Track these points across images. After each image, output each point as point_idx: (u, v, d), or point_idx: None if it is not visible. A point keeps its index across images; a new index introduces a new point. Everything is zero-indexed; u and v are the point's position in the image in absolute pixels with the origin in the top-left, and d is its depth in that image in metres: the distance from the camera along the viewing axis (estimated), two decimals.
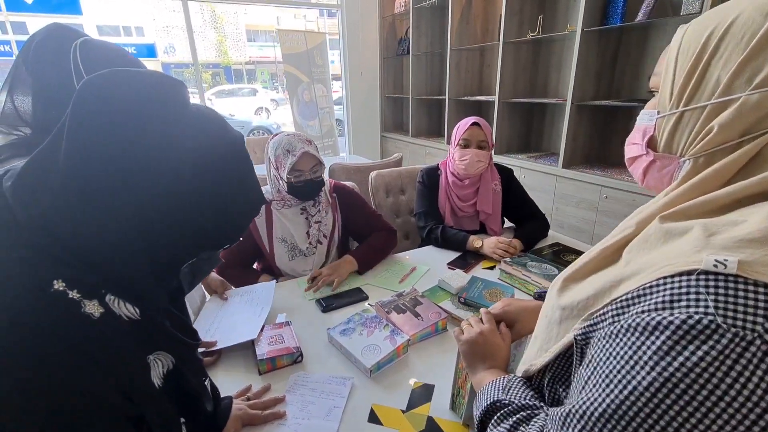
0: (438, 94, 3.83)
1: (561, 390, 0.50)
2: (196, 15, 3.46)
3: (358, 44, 4.12)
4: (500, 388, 0.55)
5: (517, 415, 0.48)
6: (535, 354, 0.53)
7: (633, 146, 0.51)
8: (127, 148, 0.42)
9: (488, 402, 0.53)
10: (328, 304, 1.13)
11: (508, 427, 0.48)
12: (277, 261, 1.31)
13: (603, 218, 2.46)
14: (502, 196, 1.60)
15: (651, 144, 0.48)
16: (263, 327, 0.99)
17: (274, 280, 1.19)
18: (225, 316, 1.06)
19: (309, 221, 1.33)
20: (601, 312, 0.41)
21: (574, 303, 0.46)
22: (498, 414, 0.51)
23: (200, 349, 0.91)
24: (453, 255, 1.43)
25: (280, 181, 1.26)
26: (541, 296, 0.77)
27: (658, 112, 0.46)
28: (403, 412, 0.77)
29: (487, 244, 1.38)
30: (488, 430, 0.52)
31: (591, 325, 0.42)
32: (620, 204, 2.34)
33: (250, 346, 0.96)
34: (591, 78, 2.49)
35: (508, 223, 1.68)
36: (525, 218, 1.60)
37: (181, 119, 0.45)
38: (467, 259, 1.39)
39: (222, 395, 0.71)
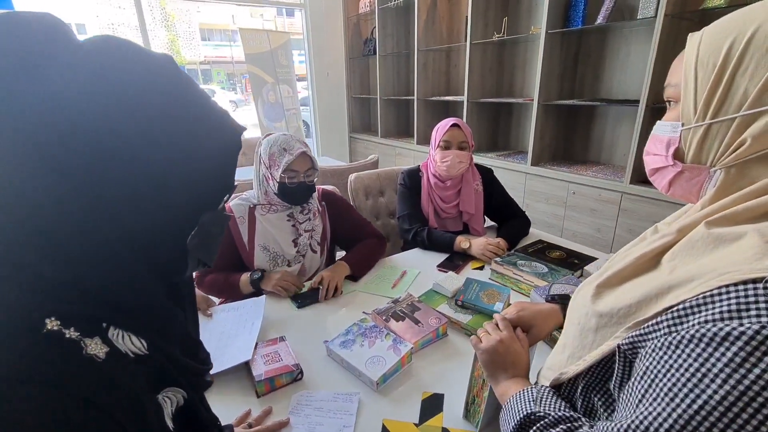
0: (406, 95, 3.84)
1: (597, 399, 0.49)
2: (145, 13, 3.21)
3: (322, 44, 4.05)
4: (531, 399, 0.53)
5: (558, 428, 0.47)
6: (566, 362, 0.53)
7: (655, 157, 0.51)
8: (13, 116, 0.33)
9: (522, 415, 0.52)
10: (302, 301, 1.15)
11: None
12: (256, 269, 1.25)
13: (571, 213, 2.56)
14: (483, 195, 1.61)
15: (677, 155, 0.48)
16: (256, 345, 0.93)
17: (264, 296, 1.12)
18: (213, 337, 0.98)
19: (297, 229, 1.27)
20: (654, 321, 0.40)
21: (614, 310, 0.45)
22: (535, 427, 0.49)
23: None
24: (440, 257, 1.42)
25: (271, 182, 1.19)
26: (554, 299, 0.77)
27: (683, 124, 0.46)
28: (417, 425, 0.75)
29: (476, 245, 1.38)
30: None
31: (641, 335, 0.41)
32: (587, 199, 2.44)
33: (243, 365, 0.90)
34: (555, 78, 2.58)
35: (488, 222, 1.69)
36: (507, 217, 1.62)
37: (76, 62, 0.36)
38: (455, 260, 1.39)
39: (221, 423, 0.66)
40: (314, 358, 0.93)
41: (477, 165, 1.64)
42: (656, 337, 0.39)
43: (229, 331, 0.99)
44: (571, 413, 0.49)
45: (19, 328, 0.33)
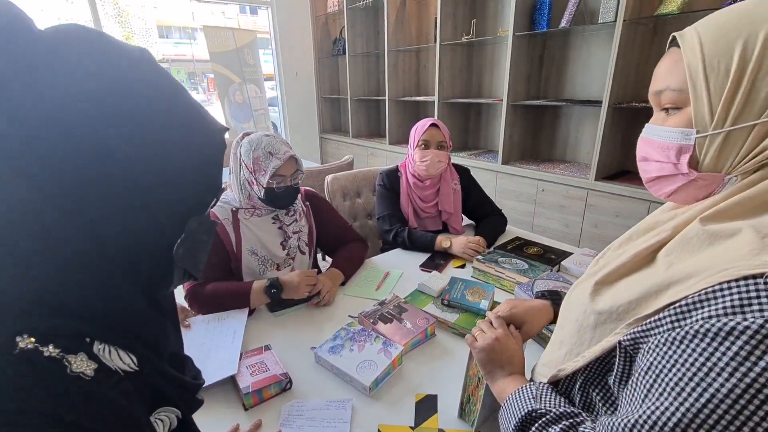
0: (376, 95, 3.83)
1: (595, 394, 0.50)
2: (98, 7, 3.00)
3: (290, 44, 3.97)
4: (530, 396, 0.54)
5: (561, 424, 0.47)
6: (563, 358, 0.53)
7: (661, 165, 0.48)
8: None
9: (523, 412, 0.52)
10: (278, 308, 1.10)
11: None
12: (245, 275, 1.19)
13: (541, 210, 2.65)
14: (461, 194, 1.63)
15: (691, 163, 0.45)
16: (240, 356, 0.89)
17: (246, 308, 1.08)
18: (192, 350, 0.93)
19: (284, 231, 1.22)
20: (656, 318, 0.41)
21: (613, 308, 0.46)
22: (537, 424, 0.50)
23: None
24: (421, 256, 1.43)
25: (255, 187, 1.14)
26: (544, 296, 0.79)
27: (698, 131, 0.43)
28: (412, 428, 0.74)
29: (457, 244, 1.40)
30: None
31: (643, 331, 0.42)
32: (555, 196, 2.53)
33: (229, 380, 0.86)
34: (522, 79, 2.66)
35: (466, 221, 1.72)
36: (484, 215, 1.65)
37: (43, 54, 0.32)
38: (436, 259, 1.40)
39: None
40: (302, 366, 0.90)
41: (454, 165, 1.66)
42: (659, 333, 0.40)
43: (209, 343, 0.95)
44: (572, 409, 0.50)
45: None
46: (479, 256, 1.27)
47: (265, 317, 1.10)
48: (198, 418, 0.78)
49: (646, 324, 0.42)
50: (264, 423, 0.76)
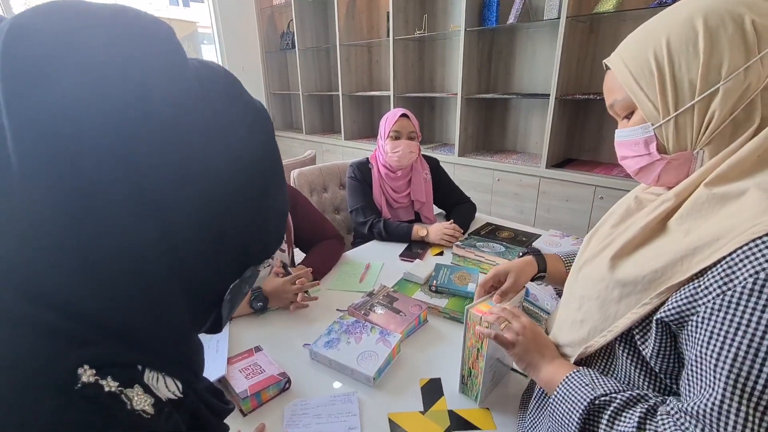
0: (329, 90, 3.77)
1: (634, 370, 0.51)
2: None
3: (234, 37, 3.78)
4: (583, 383, 0.52)
5: (634, 411, 0.46)
6: (587, 335, 0.54)
7: (636, 158, 0.55)
8: (123, 127, 0.26)
9: (584, 404, 0.49)
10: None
11: (633, 427, 0.44)
12: None
13: (497, 198, 2.76)
14: (432, 184, 1.65)
15: (659, 149, 0.52)
16: (228, 360, 0.83)
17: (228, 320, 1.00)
18: None
19: None
20: (694, 286, 0.42)
21: (638, 278, 0.48)
22: (607, 415, 0.47)
23: None
24: (397, 247, 1.42)
25: None
26: (526, 253, 0.81)
27: (652, 124, 0.51)
28: (423, 413, 0.73)
29: (433, 231, 1.41)
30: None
31: (687, 304, 0.43)
32: (510, 185, 2.65)
33: (219, 385, 0.80)
34: (474, 73, 2.75)
35: (437, 210, 1.75)
36: (454, 204, 1.69)
37: (186, 80, 0.30)
38: (414, 249, 1.40)
39: None
40: (297, 364, 0.86)
41: (424, 155, 1.67)
42: (708, 301, 0.41)
43: None
44: (636, 391, 0.49)
45: (43, 386, 0.24)
46: (458, 242, 1.30)
47: (247, 319, 1.03)
48: None
49: (684, 294, 0.43)
50: (267, 427, 0.71)
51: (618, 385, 0.51)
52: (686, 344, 0.44)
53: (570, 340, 0.58)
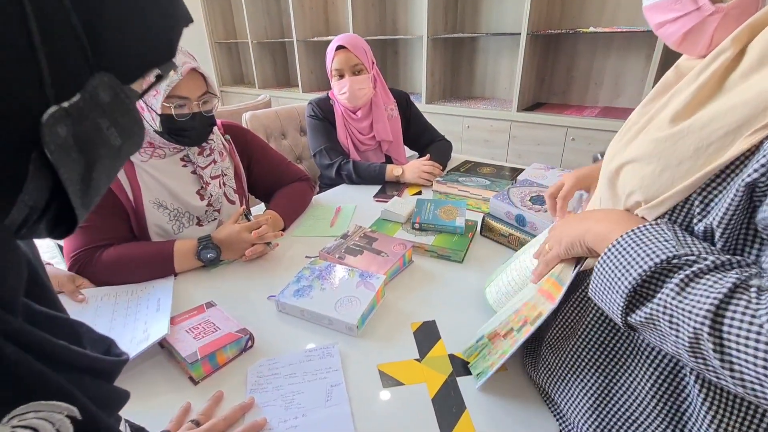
0: (281, 37, 3.42)
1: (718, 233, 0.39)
2: None
3: None
4: (665, 238, 0.38)
5: (724, 276, 0.33)
6: (668, 183, 0.41)
7: (681, 20, 0.45)
8: None
9: (659, 258, 0.36)
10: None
11: (717, 295, 0.32)
12: (154, 237, 0.90)
13: (467, 146, 2.65)
14: (401, 122, 1.48)
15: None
16: (172, 320, 0.66)
17: (172, 276, 0.82)
18: (94, 325, 0.68)
19: (200, 176, 0.93)
20: None
21: (720, 122, 0.37)
22: (683, 274, 0.35)
23: None
24: (371, 190, 1.27)
25: (147, 114, 0.83)
26: (597, 158, 0.72)
27: None
28: (419, 360, 0.61)
29: (409, 170, 1.26)
30: (671, 299, 0.35)
31: None
32: (481, 131, 2.54)
33: (156, 353, 0.63)
34: (440, 13, 2.54)
35: (409, 152, 1.59)
36: (427, 144, 1.53)
37: None
38: (388, 191, 1.25)
39: None
40: (260, 320, 0.71)
41: (392, 89, 1.49)
42: None
43: (123, 319, 0.69)
44: (736, 257, 0.36)
45: None
46: (439, 178, 1.16)
47: (196, 274, 0.86)
48: (129, 410, 0.55)
49: None
50: (226, 395, 0.56)
51: (708, 247, 0.37)
52: None
53: (638, 186, 0.45)
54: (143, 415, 0.53)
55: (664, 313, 0.35)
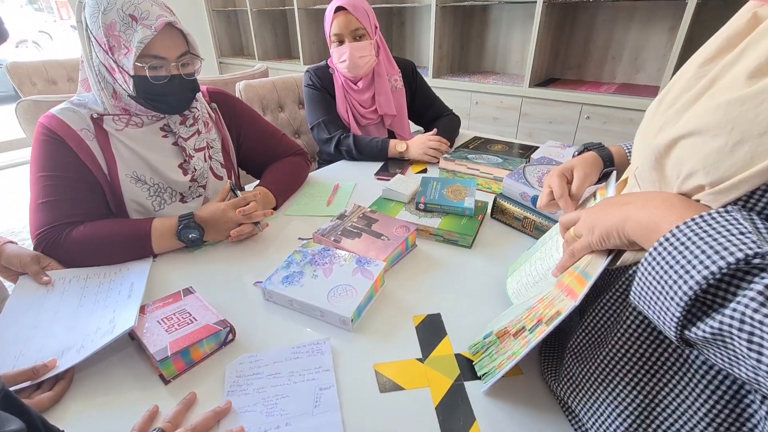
0: (281, 5, 3.25)
1: None
2: None
3: None
4: (739, 231, 0.29)
5: None
6: (748, 159, 0.32)
7: None
8: None
9: (732, 258, 0.28)
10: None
11: None
12: (132, 213, 0.82)
13: (475, 123, 2.52)
14: (406, 93, 1.37)
15: None
16: (143, 308, 0.59)
17: (150, 258, 0.74)
18: (58, 313, 0.60)
19: (182, 148, 0.84)
20: None
21: None
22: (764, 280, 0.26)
23: (22, 384, 0.48)
24: (372, 167, 1.17)
25: (119, 75, 0.73)
26: (587, 149, 0.64)
27: None
28: (421, 360, 0.54)
29: (414, 146, 1.17)
30: (752, 312, 0.26)
31: None
32: (489, 108, 2.41)
33: (126, 345, 0.56)
34: None
35: (414, 127, 1.49)
36: (434, 118, 1.42)
37: None
38: (391, 168, 1.16)
39: None
40: (244, 310, 0.63)
41: (396, 58, 1.37)
42: None
43: (91, 306, 0.62)
44: None
45: None
46: (446, 155, 1.06)
47: (176, 256, 0.78)
48: (85, 418, 0.48)
49: None
50: (200, 397, 0.49)
51: None
52: None
53: (703, 162, 0.35)
54: (105, 418, 0.47)
55: (741, 330, 0.27)
